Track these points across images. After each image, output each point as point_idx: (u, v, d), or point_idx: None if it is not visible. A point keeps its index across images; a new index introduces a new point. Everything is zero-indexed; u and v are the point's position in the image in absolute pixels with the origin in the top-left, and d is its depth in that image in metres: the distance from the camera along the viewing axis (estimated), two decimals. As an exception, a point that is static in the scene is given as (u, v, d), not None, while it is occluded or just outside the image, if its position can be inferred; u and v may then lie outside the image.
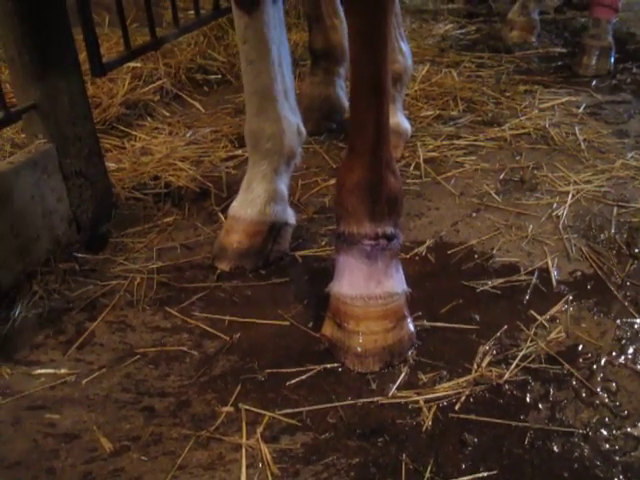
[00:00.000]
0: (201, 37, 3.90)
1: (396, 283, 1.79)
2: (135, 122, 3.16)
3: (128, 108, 3.21)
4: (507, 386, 1.69)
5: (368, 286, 1.75)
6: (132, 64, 3.39)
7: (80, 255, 2.24)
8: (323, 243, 2.26)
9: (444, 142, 2.91)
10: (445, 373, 1.73)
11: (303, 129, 2.19)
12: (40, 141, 2.17)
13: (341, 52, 2.99)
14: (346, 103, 3.07)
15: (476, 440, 1.54)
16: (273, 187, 2.15)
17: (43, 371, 1.81)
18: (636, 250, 2.19)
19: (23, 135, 2.25)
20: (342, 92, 3.09)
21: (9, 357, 1.86)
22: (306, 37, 3.72)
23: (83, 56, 2.42)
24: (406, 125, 2.86)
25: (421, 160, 2.74)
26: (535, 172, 2.67)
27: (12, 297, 2.03)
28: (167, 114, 3.26)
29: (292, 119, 2.13)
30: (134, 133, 3.03)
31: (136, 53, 2.63)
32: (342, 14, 2.93)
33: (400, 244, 1.82)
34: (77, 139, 2.24)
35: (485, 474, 1.46)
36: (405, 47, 2.82)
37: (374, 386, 1.70)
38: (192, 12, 3.20)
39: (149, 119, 3.20)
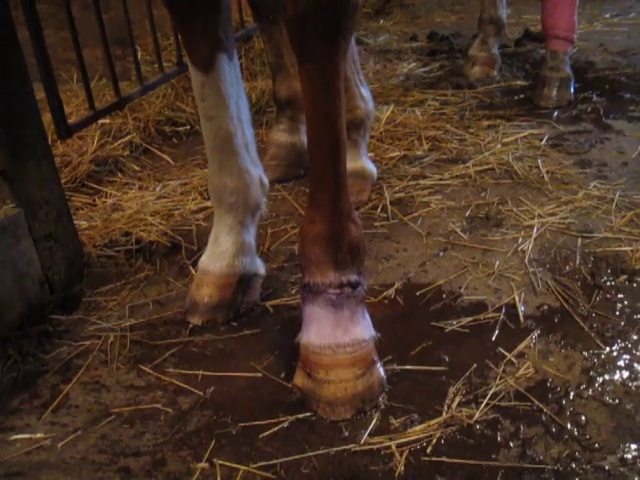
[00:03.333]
0: (169, 89, 3.94)
1: (364, 329, 1.82)
2: (105, 178, 3.19)
3: (98, 165, 3.24)
4: (478, 426, 1.71)
5: (335, 335, 1.77)
6: (101, 120, 3.43)
7: (54, 316, 2.25)
8: (293, 292, 2.29)
9: (410, 182, 2.96)
10: (416, 416, 1.75)
11: (266, 180, 2.23)
12: (8, 206, 2.19)
13: None
14: None
15: (448, 482, 1.56)
16: (240, 239, 2.18)
17: (19, 436, 1.81)
18: (601, 280, 2.23)
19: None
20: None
21: (-15, 424, 1.86)
22: (270, 85, 3.76)
23: (49, 115, 2.46)
24: (371, 168, 2.90)
25: (387, 202, 2.78)
26: (500, 207, 2.72)
27: (-14, 363, 2.05)
28: (137, 168, 3.29)
29: (254, 172, 2.17)
30: (104, 189, 3.06)
31: (101, 113, 2.68)
32: None
33: (365, 290, 1.85)
34: (45, 202, 2.27)
35: (458, 517, 1.49)
36: (366, 92, 2.86)
37: (346, 433, 1.72)
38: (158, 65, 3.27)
39: (119, 174, 3.23)
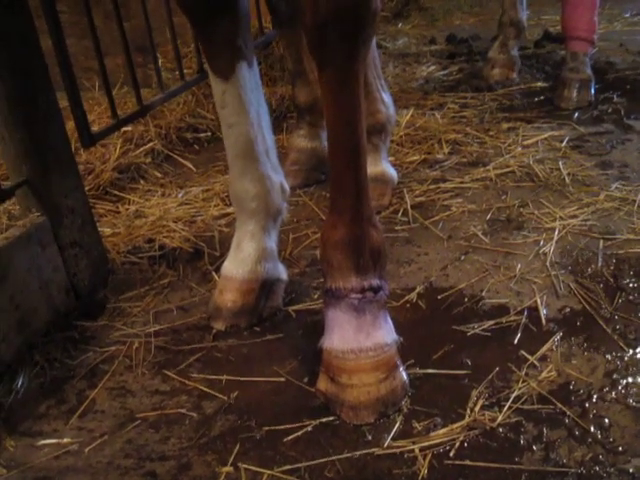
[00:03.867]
0: (190, 96, 3.98)
1: (386, 334, 1.83)
2: (128, 185, 3.23)
3: (121, 172, 3.28)
4: (501, 429, 1.71)
5: (358, 339, 1.78)
6: (123, 128, 3.47)
7: (79, 323, 2.28)
8: (316, 296, 2.30)
9: (430, 186, 2.96)
10: (439, 420, 1.76)
11: (287, 186, 2.25)
12: (34, 215, 2.23)
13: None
14: None
15: (472, 486, 1.57)
16: (262, 245, 2.20)
17: (47, 441, 1.84)
18: (623, 282, 2.23)
19: (19, 207, 2.31)
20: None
21: (13, 429, 1.89)
22: (290, 90, 3.81)
23: (72, 122, 2.49)
24: (392, 172, 2.93)
25: (408, 206, 2.79)
26: (521, 210, 2.72)
27: (14, 369, 2.07)
28: (159, 175, 3.33)
29: (275, 178, 2.19)
30: (127, 197, 3.10)
31: (123, 122, 2.71)
32: None
33: (387, 295, 1.86)
34: (70, 210, 2.31)
35: (481, 520, 1.49)
36: (387, 97, 2.89)
37: (370, 437, 1.73)
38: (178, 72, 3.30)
39: (142, 182, 3.27)
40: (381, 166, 2.89)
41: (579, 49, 3.81)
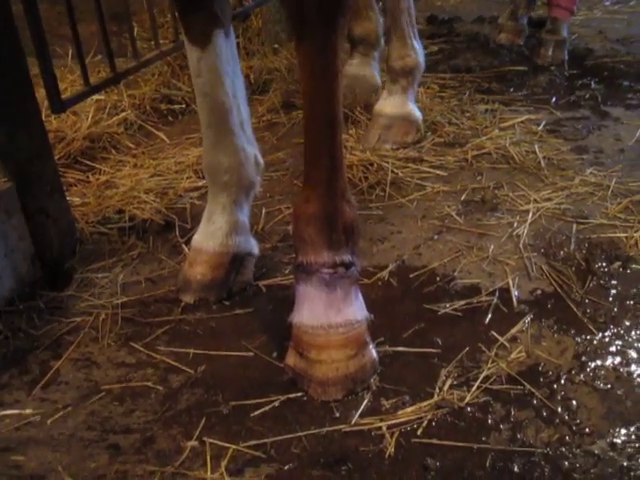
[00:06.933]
0: (165, 67, 3.91)
1: (356, 310, 1.81)
2: (99, 155, 3.16)
3: (92, 141, 3.21)
4: (469, 409, 1.71)
5: (328, 315, 1.77)
6: (96, 96, 3.40)
7: (45, 293, 2.23)
8: (287, 272, 2.28)
9: (406, 165, 2.94)
10: (407, 398, 1.75)
11: (261, 159, 2.22)
12: (0, 180, 2.17)
13: (375, 38, 3.58)
14: (380, 82, 3.59)
15: (438, 464, 1.56)
16: (234, 218, 2.16)
17: (8, 412, 1.81)
18: (595, 266, 2.23)
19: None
20: (377, 72, 3.65)
21: (-27, 399, 1.85)
22: (267, 63, 4.08)
23: (43, 91, 2.43)
24: (417, 114, 3.20)
25: (387, 183, 2.77)
26: (496, 192, 2.71)
27: (-23, 338, 2.03)
28: (132, 146, 3.26)
29: (249, 150, 2.15)
30: (98, 166, 3.04)
31: (96, 89, 2.65)
32: (376, 8, 3.58)
33: (358, 271, 1.84)
34: (38, 177, 2.25)
35: (447, 498, 1.48)
36: (417, 44, 3.17)
37: (337, 414, 1.72)
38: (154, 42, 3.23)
39: (113, 152, 3.20)
40: (408, 107, 3.17)
41: (560, 15, 4.19)
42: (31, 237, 2.24)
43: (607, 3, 5.62)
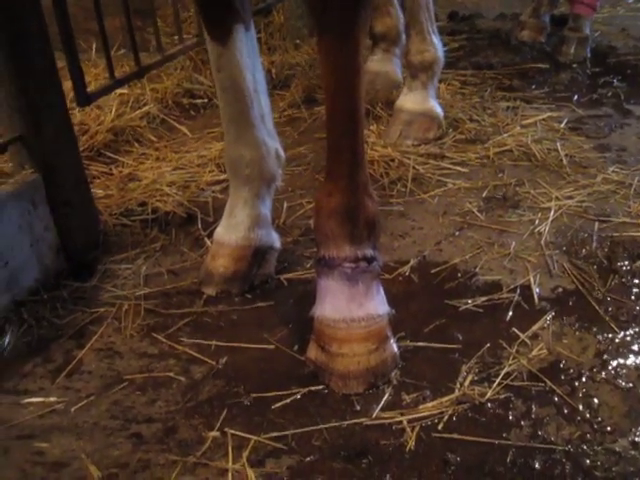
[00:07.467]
0: (187, 61, 3.93)
1: (378, 305, 1.82)
2: (122, 148, 3.19)
3: (115, 134, 3.24)
4: (489, 404, 1.71)
5: (350, 309, 1.77)
6: (119, 90, 3.42)
7: (69, 283, 2.26)
8: (308, 266, 2.29)
9: (428, 161, 2.94)
10: (428, 393, 1.75)
11: (282, 153, 2.22)
12: (26, 172, 2.20)
13: (396, 34, 3.63)
14: (401, 78, 3.61)
15: (459, 459, 1.57)
16: (256, 212, 2.18)
17: (32, 400, 1.83)
18: (617, 264, 2.22)
19: (11, 164, 2.28)
20: (398, 68, 3.69)
21: (-2, 386, 1.88)
22: (289, 58, 4.10)
23: (69, 83, 2.45)
24: (439, 111, 3.19)
25: (409, 179, 2.77)
26: (517, 189, 2.71)
27: (1, 326, 2.06)
28: (154, 139, 3.28)
29: (270, 144, 2.16)
30: (121, 159, 3.06)
31: (120, 82, 2.67)
32: (396, 4, 3.62)
33: (380, 266, 1.85)
34: (63, 168, 2.27)
35: (467, 493, 1.49)
36: (436, 39, 3.16)
37: (358, 407, 1.72)
38: (177, 37, 3.25)
39: (136, 145, 3.23)
40: (429, 103, 3.17)
41: (582, 12, 4.18)
42: (56, 228, 2.26)
43: (630, 0, 5.58)
